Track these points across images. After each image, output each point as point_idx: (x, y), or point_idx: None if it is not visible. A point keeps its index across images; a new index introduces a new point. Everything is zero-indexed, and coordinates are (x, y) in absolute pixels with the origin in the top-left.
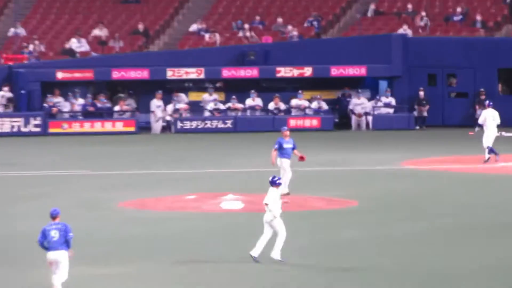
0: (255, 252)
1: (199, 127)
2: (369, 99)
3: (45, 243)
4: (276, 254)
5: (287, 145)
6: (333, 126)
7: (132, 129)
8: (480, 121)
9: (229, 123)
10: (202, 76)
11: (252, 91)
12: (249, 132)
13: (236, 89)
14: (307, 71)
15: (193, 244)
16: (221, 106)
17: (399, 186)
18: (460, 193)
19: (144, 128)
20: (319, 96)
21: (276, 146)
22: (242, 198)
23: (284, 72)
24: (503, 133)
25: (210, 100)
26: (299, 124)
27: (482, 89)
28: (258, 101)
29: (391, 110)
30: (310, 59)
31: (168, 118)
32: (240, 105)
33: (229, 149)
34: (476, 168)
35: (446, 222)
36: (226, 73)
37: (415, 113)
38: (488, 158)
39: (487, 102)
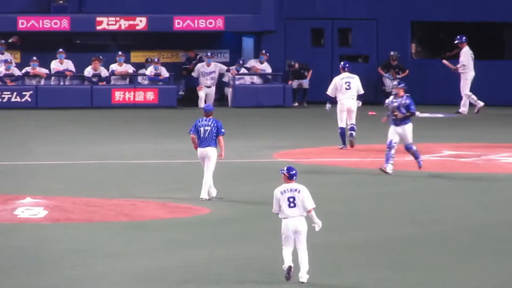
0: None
1: None
2: (229, 64)
3: None
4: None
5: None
6: (176, 101)
7: None
8: (329, 91)
9: (27, 96)
10: None
11: (60, 50)
12: (57, 108)
13: (38, 47)
14: (141, 23)
15: None
16: (16, 71)
17: (270, 186)
18: (352, 197)
19: None
20: (157, 58)
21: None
22: (45, 203)
23: (108, 23)
24: (418, 114)
25: (0, 61)
26: (128, 98)
27: (393, 53)
28: (69, 65)
29: (259, 80)
30: (145, 6)
31: None
32: (43, 70)
33: (27, 132)
34: (372, 161)
35: (352, 236)
36: (23, 23)
37: (294, 84)
38: (350, 142)
39: (343, 63)
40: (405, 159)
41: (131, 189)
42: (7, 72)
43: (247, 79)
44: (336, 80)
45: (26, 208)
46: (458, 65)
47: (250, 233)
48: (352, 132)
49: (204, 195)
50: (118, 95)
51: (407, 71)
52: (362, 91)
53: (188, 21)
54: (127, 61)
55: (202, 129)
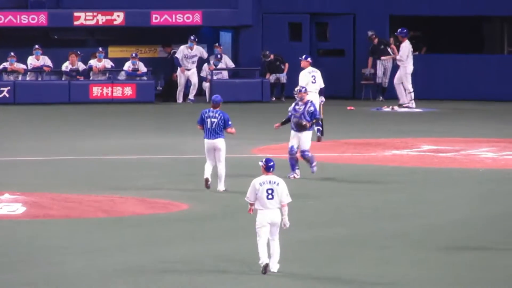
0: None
1: None
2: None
3: None
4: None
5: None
6: (154, 96)
7: None
8: (302, 82)
9: (5, 92)
10: None
11: (36, 46)
12: (35, 104)
13: (16, 42)
14: (118, 18)
15: None
16: None
17: (248, 182)
18: (331, 192)
19: None
20: (135, 53)
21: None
22: (23, 199)
23: (85, 18)
24: (396, 108)
25: None
26: (106, 93)
27: (370, 32)
28: (46, 60)
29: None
30: (123, 0)
31: None
32: (21, 66)
33: (5, 128)
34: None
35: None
36: (1, 19)
37: (271, 79)
38: (318, 137)
39: (304, 56)
40: (383, 154)
41: (110, 184)
42: None
43: (224, 74)
44: (306, 72)
45: (5, 204)
46: (397, 57)
47: (229, 228)
48: (319, 127)
49: (221, 187)
50: (96, 91)
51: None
52: (323, 85)
53: (165, 16)
54: (105, 56)
55: (209, 120)
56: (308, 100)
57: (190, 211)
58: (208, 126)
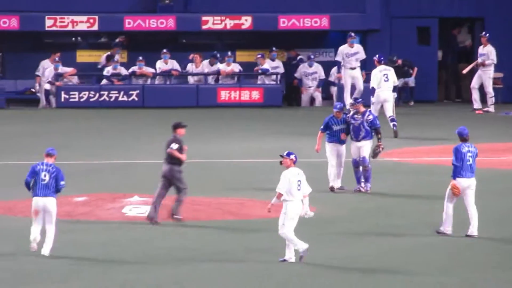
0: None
1: (92, 100)
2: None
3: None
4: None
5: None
6: (281, 100)
7: None
8: (373, 83)
9: (134, 95)
10: (95, 27)
11: (164, 50)
12: (163, 107)
13: (144, 46)
14: (246, 22)
15: (78, 272)
16: (123, 71)
17: (379, 186)
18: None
19: (15, 100)
20: (261, 54)
21: (322, 127)
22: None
23: (213, 23)
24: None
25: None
26: (233, 97)
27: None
28: (174, 64)
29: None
30: (250, 4)
31: (47, 87)
32: (150, 70)
33: (135, 132)
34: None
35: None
36: (130, 23)
37: (399, 83)
38: (394, 133)
39: (378, 56)
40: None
41: (238, 187)
42: (114, 71)
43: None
44: (376, 72)
45: (134, 206)
46: (486, 61)
47: (355, 232)
48: (394, 123)
49: (337, 183)
50: (223, 94)
51: None
52: (397, 83)
53: (293, 20)
54: (233, 60)
55: (334, 127)
56: (366, 110)
57: (321, 214)
58: (334, 130)
